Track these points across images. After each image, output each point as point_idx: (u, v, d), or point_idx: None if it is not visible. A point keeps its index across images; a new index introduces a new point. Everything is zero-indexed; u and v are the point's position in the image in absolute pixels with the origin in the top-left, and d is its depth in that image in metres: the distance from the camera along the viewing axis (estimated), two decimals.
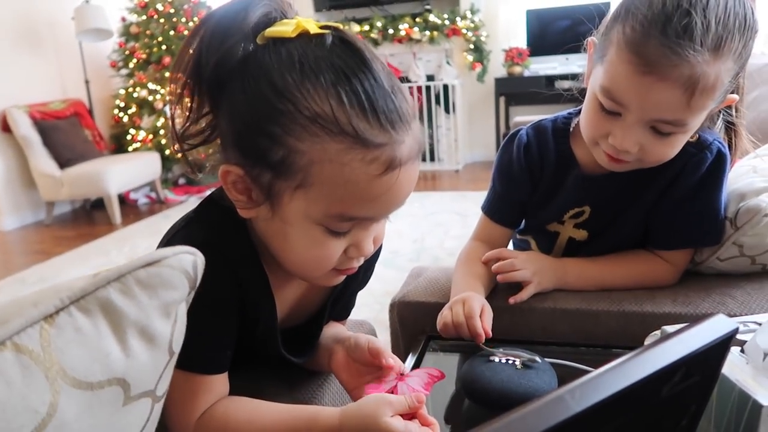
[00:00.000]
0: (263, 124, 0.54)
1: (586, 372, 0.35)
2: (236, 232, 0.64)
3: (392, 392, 0.64)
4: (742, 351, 0.55)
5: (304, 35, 0.56)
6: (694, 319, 0.40)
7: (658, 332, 0.65)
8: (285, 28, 0.56)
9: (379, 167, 0.54)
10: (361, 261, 0.64)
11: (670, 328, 0.61)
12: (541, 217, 0.99)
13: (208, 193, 0.68)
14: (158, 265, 0.42)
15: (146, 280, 0.41)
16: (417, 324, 0.98)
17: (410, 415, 0.59)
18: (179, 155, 0.62)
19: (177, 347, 0.45)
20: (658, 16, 0.69)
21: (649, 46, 0.69)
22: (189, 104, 0.59)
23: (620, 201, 0.90)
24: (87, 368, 0.37)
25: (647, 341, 0.65)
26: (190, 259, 0.44)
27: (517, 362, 0.73)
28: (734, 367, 0.52)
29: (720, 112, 0.85)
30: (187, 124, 0.60)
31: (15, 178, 4.42)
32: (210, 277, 0.46)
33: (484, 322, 0.81)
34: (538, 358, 0.74)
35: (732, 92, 0.77)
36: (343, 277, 0.66)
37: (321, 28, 0.57)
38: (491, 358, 0.75)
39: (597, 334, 0.89)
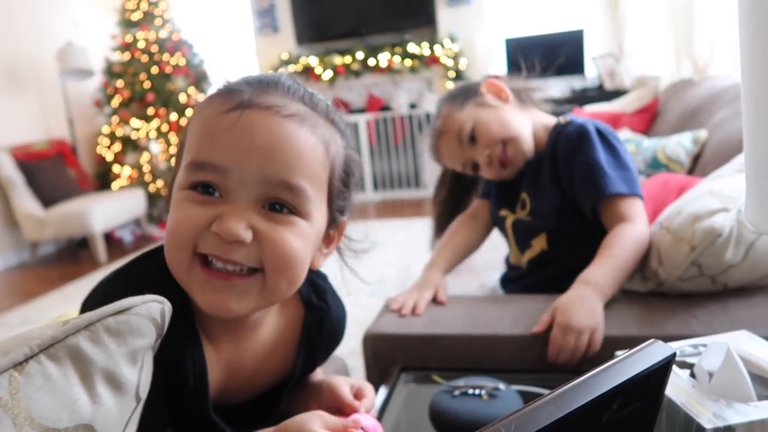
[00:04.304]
0: None
1: None
2: (162, 288, 0.53)
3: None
4: (692, 374, 0.56)
5: None
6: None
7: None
8: None
9: (227, 105, 0.58)
10: (230, 252, 0.56)
11: (621, 353, 0.62)
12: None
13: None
14: (127, 313, 0.44)
15: (115, 327, 0.43)
16: (390, 356, 0.98)
17: None
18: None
19: (143, 393, 0.46)
20: None
21: None
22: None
23: (538, 182, 1.15)
24: (55, 415, 0.38)
25: None
26: (158, 308, 0.45)
27: (483, 392, 0.74)
28: (680, 391, 0.52)
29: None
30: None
31: None
32: None
33: (439, 295, 1.09)
34: (501, 386, 0.74)
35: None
36: (221, 297, 0.57)
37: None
38: (458, 388, 0.76)
39: None
